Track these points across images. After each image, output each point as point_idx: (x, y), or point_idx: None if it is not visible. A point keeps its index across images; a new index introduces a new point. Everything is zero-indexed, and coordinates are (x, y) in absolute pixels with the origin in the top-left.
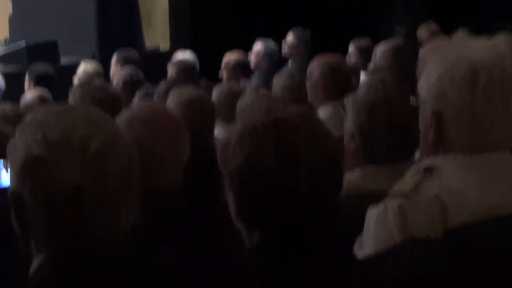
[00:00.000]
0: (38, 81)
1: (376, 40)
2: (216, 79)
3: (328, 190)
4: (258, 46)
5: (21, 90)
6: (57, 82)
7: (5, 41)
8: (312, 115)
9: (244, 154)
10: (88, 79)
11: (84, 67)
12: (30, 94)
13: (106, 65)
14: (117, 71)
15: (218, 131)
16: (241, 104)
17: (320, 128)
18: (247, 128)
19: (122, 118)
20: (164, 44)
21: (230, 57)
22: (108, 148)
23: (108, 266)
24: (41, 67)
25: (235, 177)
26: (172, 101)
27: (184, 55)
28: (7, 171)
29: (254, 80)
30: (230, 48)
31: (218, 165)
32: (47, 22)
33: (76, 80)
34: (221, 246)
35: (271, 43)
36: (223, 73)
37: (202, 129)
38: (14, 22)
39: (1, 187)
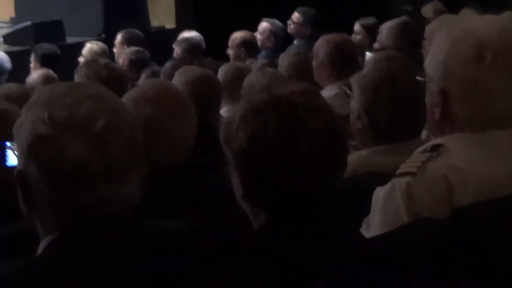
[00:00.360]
0: (44, 60)
1: (381, 20)
2: (223, 58)
3: (330, 165)
4: (264, 25)
5: (27, 70)
6: (62, 61)
7: (11, 20)
8: (313, 92)
9: (247, 133)
10: (94, 57)
11: (90, 46)
12: (35, 73)
13: (111, 45)
14: (122, 51)
15: (225, 110)
16: (247, 82)
17: (322, 104)
18: (249, 108)
19: (129, 96)
20: (169, 23)
21: (236, 35)
22: (113, 125)
23: (114, 240)
24: (46, 46)
25: (239, 157)
26: (178, 80)
27: (189, 34)
28: (13, 151)
29: (261, 59)
30: (235, 26)
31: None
32: (53, 1)
33: (81, 59)
34: (225, 221)
35: (277, 22)
36: (230, 52)
37: (208, 107)
38: (20, 1)
39: (7, 165)
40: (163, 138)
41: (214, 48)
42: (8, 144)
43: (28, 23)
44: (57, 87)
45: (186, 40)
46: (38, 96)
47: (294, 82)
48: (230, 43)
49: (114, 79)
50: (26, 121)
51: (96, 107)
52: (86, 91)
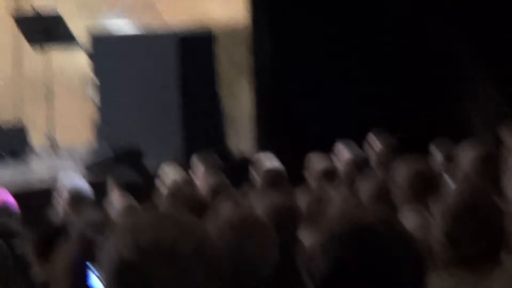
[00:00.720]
0: (125, 188)
1: (458, 138)
2: (302, 184)
3: None
4: (343, 150)
5: (108, 198)
6: (143, 189)
7: (91, 149)
8: (393, 219)
9: (329, 262)
10: (176, 187)
11: (172, 175)
12: (117, 201)
13: (190, 171)
14: (202, 177)
15: (305, 238)
16: (326, 210)
17: (402, 231)
18: (330, 236)
19: (211, 223)
20: (248, 150)
21: (316, 162)
22: (197, 252)
23: None
24: (127, 174)
25: (321, 286)
26: (259, 207)
27: (268, 160)
28: (98, 276)
29: (340, 187)
30: (316, 152)
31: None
32: (133, 130)
33: (163, 188)
34: None
35: (355, 148)
36: (309, 177)
37: (288, 235)
38: (100, 131)
39: (88, 286)
40: (244, 263)
41: (293, 174)
42: (90, 266)
43: (108, 152)
44: (142, 214)
45: (266, 165)
46: (123, 222)
47: (373, 209)
48: (308, 169)
49: (195, 206)
50: (111, 247)
51: (180, 235)
52: (170, 219)
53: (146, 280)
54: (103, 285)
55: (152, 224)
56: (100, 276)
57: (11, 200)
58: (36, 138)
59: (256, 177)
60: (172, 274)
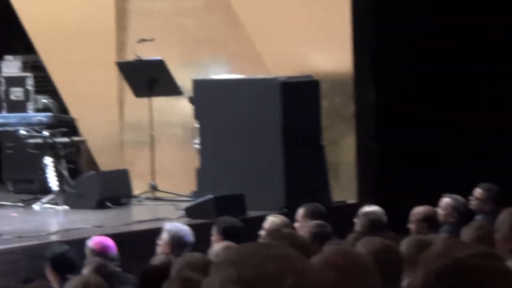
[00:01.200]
0: (226, 233)
1: None
2: (404, 233)
3: None
4: (446, 200)
5: (208, 243)
6: (244, 235)
7: (193, 194)
8: (494, 255)
9: None
10: (276, 227)
11: (272, 220)
12: (217, 246)
13: (292, 220)
14: (304, 225)
15: (406, 283)
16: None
17: (503, 268)
18: (428, 274)
19: (313, 262)
20: (350, 199)
21: (418, 210)
22: (301, 284)
23: None
24: (228, 219)
25: None
26: (360, 250)
27: (371, 208)
28: None
29: (442, 234)
30: (417, 201)
31: None
32: (235, 176)
33: (263, 233)
34: None
35: (459, 198)
36: (411, 227)
37: (389, 278)
38: (201, 175)
39: None
40: None
41: (395, 223)
42: None
43: (209, 196)
44: (246, 247)
45: (368, 214)
46: (226, 255)
47: (473, 246)
48: (411, 218)
49: (296, 247)
50: (215, 280)
51: (283, 268)
52: (274, 251)
53: None
54: None
55: (255, 255)
56: None
57: (110, 244)
58: (137, 185)
59: (358, 224)
60: None
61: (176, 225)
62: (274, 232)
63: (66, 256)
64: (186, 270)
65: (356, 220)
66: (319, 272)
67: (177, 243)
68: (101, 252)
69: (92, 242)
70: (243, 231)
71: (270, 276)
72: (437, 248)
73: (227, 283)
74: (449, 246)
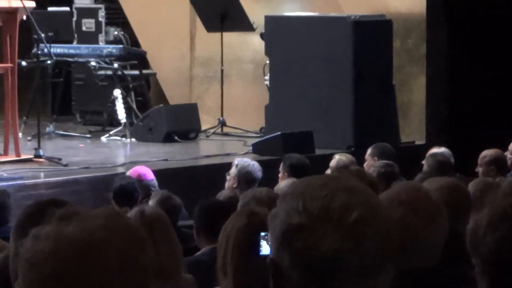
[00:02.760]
0: (292, 170)
1: None
2: (472, 176)
3: None
4: None
5: (275, 179)
6: (311, 172)
7: (261, 130)
8: None
9: (496, 238)
10: (344, 164)
11: (339, 158)
12: (283, 183)
13: (360, 159)
14: (372, 164)
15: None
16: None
17: None
18: (496, 212)
19: (382, 197)
20: (419, 140)
21: (486, 153)
22: (368, 218)
23: None
24: (296, 157)
25: (489, 262)
26: (428, 187)
27: (439, 150)
28: (267, 241)
29: (510, 178)
30: (486, 145)
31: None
32: (304, 113)
33: (329, 171)
34: None
35: None
36: (479, 170)
37: (457, 214)
38: (270, 112)
39: (260, 255)
40: (414, 243)
41: (463, 165)
42: (262, 234)
43: (277, 133)
44: (313, 179)
45: (436, 155)
46: (294, 187)
47: None
48: (479, 161)
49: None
50: (280, 211)
51: (351, 200)
52: (342, 184)
53: (314, 244)
54: (272, 250)
55: (322, 187)
56: (269, 242)
57: (146, 172)
58: (205, 119)
59: (426, 166)
60: (340, 239)
61: (246, 160)
62: (342, 169)
63: (126, 189)
64: (252, 204)
65: (424, 161)
66: (387, 206)
67: (245, 178)
68: (137, 179)
69: (130, 171)
70: (310, 169)
71: (337, 208)
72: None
73: (293, 214)
74: None
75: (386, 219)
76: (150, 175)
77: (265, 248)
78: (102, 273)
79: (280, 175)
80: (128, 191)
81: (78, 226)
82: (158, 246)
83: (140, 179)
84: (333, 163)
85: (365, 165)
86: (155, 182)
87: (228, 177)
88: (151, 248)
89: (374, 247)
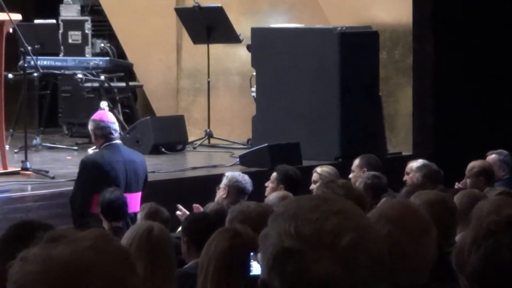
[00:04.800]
0: (285, 181)
1: None
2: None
3: None
4: (491, 157)
5: (261, 191)
6: (299, 181)
7: (248, 142)
8: None
9: (480, 256)
10: (330, 178)
11: (322, 169)
12: (273, 195)
13: (347, 170)
14: (359, 175)
15: (459, 236)
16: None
17: None
18: (480, 230)
19: (369, 216)
20: (406, 151)
21: (474, 164)
22: (360, 241)
23: None
24: (288, 168)
25: (473, 281)
26: (414, 201)
27: (419, 163)
28: (258, 261)
29: (499, 188)
30: (473, 157)
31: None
32: (290, 125)
33: (314, 178)
34: None
35: (503, 151)
36: (467, 181)
37: (444, 230)
38: (257, 123)
39: (251, 275)
40: (402, 260)
41: (449, 176)
42: (251, 254)
43: (265, 145)
44: (304, 200)
45: (426, 166)
46: (284, 208)
47: None
48: (467, 172)
49: (351, 199)
50: (272, 232)
51: (342, 223)
52: (333, 206)
53: (305, 268)
54: (263, 272)
55: (314, 209)
56: (260, 263)
57: (110, 118)
58: (192, 131)
59: (414, 174)
60: (332, 263)
61: (236, 173)
62: (330, 181)
63: (114, 204)
64: (239, 218)
65: (410, 172)
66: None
67: (235, 189)
68: (99, 120)
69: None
70: (299, 178)
71: (329, 232)
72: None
73: (285, 237)
74: (500, 202)
75: (378, 242)
76: (111, 119)
77: (255, 268)
78: None
79: (269, 186)
80: (117, 206)
81: (66, 248)
82: (157, 267)
83: (101, 120)
84: (315, 176)
85: (351, 176)
86: (116, 126)
87: (217, 189)
88: (140, 270)
89: (366, 271)
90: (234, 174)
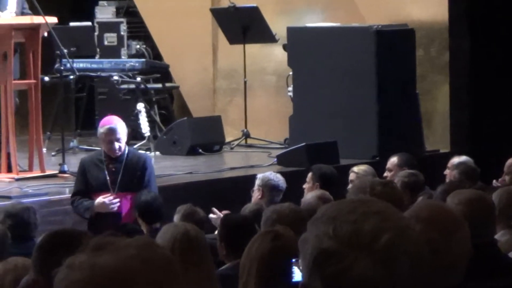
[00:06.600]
0: (324, 180)
1: None
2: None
3: None
4: None
5: (300, 190)
6: (336, 181)
7: (285, 141)
8: None
9: None
10: (364, 175)
11: (359, 168)
12: (311, 194)
13: (384, 168)
14: (396, 174)
15: (500, 234)
16: None
17: None
18: None
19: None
20: (444, 148)
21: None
22: (399, 241)
23: None
24: (325, 167)
25: None
26: (451, 201)
27: (460, 159)
28: (298, 267)
29: None
30: (510, 154)
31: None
32: (327, 124)
33: (351, 178)
34: None
35: None
36: (506, 177)
37: (482, 228)
38: (294, 123)
39: (293, 282)
40: (434, 258)
41: (487, 174)
42: (293, 260)
43: (302, 144)
44: (343, 203)
45: (463, 163)
46: (324, 211)
47: None
48: (506, 169)
49: (388, 197)
50: (311, 236)
51: (381, 224)
52: (372, 208)
53: (345, 269)
54: (304, 276)
55: (352, 211)
56: (301, 267)
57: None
58: (229, 131)
59: (451, 174)
60: (372, 264)
61: (268, 173)
62: (363, 177)
63: (152, 205)
64: (274, 217)
65: (446, 171)
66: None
67: (268, 188)
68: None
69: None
70: (336, 178)
71: (367, 232)
72: None
73: (323, 238)
74: None
75: (417, 242)
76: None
77: (297, 275)
78: None
79: (307, 186)
80: (155, 208)
81: (112, 257)
82: (200, 268)
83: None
84: (352, 176)
85: (389, 175)
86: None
87: (252, 191)
88: (194, 273)
89: (405, 270)
90: (265, 174)
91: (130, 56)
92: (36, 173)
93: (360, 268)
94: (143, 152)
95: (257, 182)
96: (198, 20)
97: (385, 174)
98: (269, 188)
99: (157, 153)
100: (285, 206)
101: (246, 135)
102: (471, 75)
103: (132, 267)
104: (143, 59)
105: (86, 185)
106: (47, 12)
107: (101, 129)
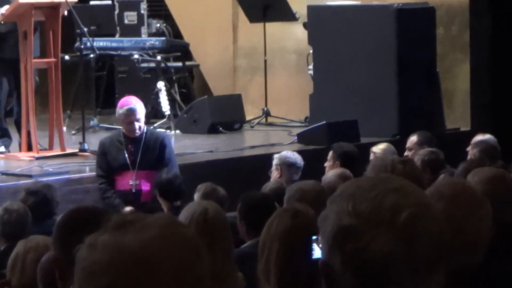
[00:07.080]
0: (343, 159)
1: None
2: None
3: None
4: None
5: (320, 168)
6: (357, 159)
7: (305, 120)
8: None
9: None
10: (384, 154)
11: (379, 146)
12: (332, 172)
13: (404, 146)
14: (416, 152)
15: None
16: None
17: None
18: None
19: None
20: (464, 126)
21: None
22: (419, 217)
23: None
24: (346, 145)
25: None
26: (472, 179)
27: (484, 136)
28: (318, 244)
29: None
30: None
31: None
32: (348, 102)
33: (371, 158)
34: None
35: None
36: None
37: (503, 207)
38: (315, 101)
39: (312, 259)
40: (456, 237)
41: (508, 153)
42: (314, 237)
43: (322, 122)
44: (363, 180)
45: (483, 142)
46: (343, 188)
47: None
48: None
49: (408, 175)
50: (330, 213)
51: (401, 200)
52: (392, 184)
53: (365, 246)
54: (323, 253)
55: (372, 188)
56: (320, 245)
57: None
58: (249, 110)
59: (472, 150)
60: (392, 240)
61: (284, 152)
62: (386, 157)
63: (173, 183)
64: (297, 196)
65: (468, 148)
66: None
67: (286, 166)
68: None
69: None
70: (357, 156)
71: (387, 209)
72: None
73: (343, 215)
74: None
75: (438, 218)
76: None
77: (317, 252)
78: (159, 285)
79: (328, 164)
80: (176, 186)
81: (134, 236)
82: (216, 248)
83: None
84: (372, 156)
85: (410, 153)
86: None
87: (270, 173)
88: (207, 254)
89: (426, 247)
90: (281, 153)
91: (150, 34)
92: (56, 151)
93: (380, 245)
94: (162, 130)
95: (274, 161)
96: None
97: (405, 154)
98: (287, 165)
99: (178, 131)
100: (308, 184)
101: (267, 114)
102: (492, 54)
103: (155, 248)
104: (163, 38)
105: (108, 166)
106: None
107: (120, 110)
